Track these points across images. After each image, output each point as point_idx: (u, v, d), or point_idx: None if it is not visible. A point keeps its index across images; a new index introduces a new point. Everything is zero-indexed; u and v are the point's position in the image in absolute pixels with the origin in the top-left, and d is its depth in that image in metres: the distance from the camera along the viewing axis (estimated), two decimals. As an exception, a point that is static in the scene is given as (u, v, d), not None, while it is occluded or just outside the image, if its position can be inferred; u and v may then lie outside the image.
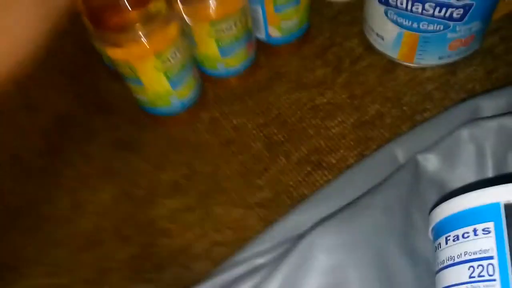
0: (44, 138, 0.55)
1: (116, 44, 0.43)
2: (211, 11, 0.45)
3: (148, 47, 0.43)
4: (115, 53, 0.44)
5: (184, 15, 0.46)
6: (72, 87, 0.58)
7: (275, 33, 0.53)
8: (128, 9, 0.41)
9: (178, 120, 0.52)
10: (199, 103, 0.52)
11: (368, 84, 0.52)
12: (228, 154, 0.50)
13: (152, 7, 0.42)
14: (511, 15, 0.54)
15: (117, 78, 0.48)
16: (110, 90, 0.56)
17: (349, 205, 0.40)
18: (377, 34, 0.51)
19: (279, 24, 0.52)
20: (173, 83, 0.47)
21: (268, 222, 0.43)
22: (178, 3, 0.45)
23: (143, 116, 0.52)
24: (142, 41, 0.42)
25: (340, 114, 0.51)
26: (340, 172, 0.46)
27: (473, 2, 0.43)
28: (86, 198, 0.49)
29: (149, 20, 0.42)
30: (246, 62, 0.52)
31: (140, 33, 0.42)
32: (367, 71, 0.53)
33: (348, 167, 0.46)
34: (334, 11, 0.59)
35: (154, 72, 0.45)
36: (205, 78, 0.53)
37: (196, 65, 0.51)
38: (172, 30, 0.44)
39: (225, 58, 0.50)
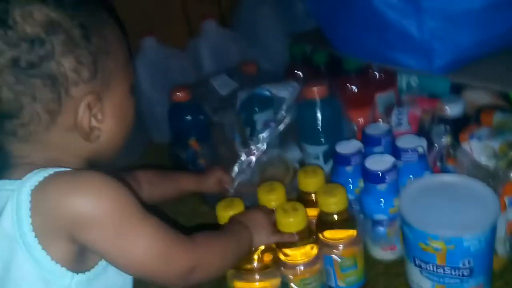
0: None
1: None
2: (299, 272, 0.70)
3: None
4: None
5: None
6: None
7: (342, 284, 0.76)
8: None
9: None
10: None
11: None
12: None
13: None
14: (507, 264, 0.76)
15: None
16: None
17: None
18: (418, 285, 0.73)
19: (344, 279, 0.75)
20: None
21: None
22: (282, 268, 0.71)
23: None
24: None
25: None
26: None
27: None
28: None
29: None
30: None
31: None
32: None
33: None
34: (383, 266, 0.83)
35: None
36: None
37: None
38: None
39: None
